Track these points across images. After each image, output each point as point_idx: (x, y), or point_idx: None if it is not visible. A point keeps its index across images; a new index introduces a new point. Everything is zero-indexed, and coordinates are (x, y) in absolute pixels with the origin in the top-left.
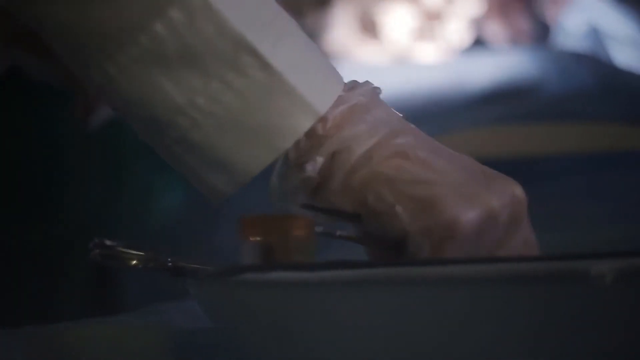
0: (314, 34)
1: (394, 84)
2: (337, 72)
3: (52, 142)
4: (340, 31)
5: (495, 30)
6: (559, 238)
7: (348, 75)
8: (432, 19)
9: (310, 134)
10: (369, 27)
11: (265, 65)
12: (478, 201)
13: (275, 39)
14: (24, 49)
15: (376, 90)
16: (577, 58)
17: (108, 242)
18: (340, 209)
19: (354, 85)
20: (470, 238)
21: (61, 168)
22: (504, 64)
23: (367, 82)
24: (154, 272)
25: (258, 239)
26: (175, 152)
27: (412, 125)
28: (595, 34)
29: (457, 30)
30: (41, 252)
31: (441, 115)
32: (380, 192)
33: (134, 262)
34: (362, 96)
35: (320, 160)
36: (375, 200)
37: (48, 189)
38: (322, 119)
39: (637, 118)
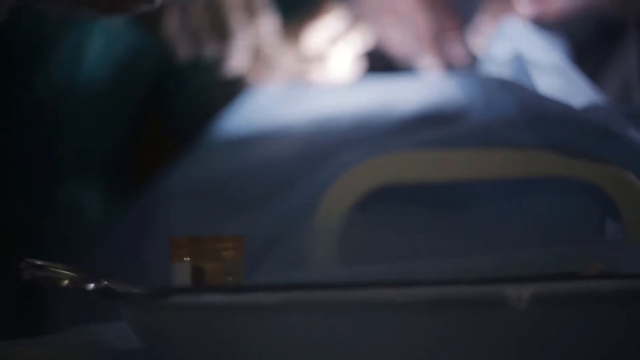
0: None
1: (313, 107)
2: None
3: None
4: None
5: (429, 61)
6: (483, 262)
7: (261, 101)
8: (311, 61)
9: None
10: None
11: None
12: None
13: None
14: None
15: None
16: (502, 85)
17: (39, 262)
18: None
19: None
20: None
21: None
22: (431, 88)
23: None
24: (86, 293)
25: (188, 260)
26: None
27: None
28: (520, 61)
29: (341, 67)
30: None
31: (368, 140)
32: None
33: (66, 282)
34: None
35: None
36: None
37: None
38: None
39: (560, 145)
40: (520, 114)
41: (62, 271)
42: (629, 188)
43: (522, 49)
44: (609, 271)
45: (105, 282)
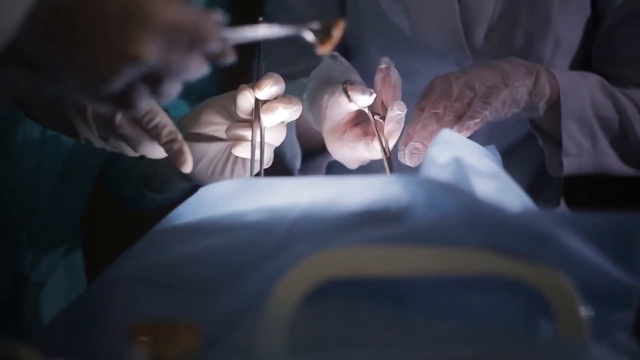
0: None
1: (267, 199)
2: None
3: None
4: None
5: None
6: (424, 355)
7: (217, 191)
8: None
9: None
10: None
11: None
12: None
13: None
14: None
15: None
16: (444, 187)
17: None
18: None
19: None
20: None
21: None
22: (378, 188)
23: None
24: None
25: (146, 344)
26: None
27: None
28: (458, 166)
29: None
30: None
31: (318, 233)
32: None
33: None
34: None
35: None
36: None
37: None
38: None
39: (497, 246)
40: (460, 215)
41: (25, 349)
42: (562, 288)
43: (460, 155)
44: None
45: None
